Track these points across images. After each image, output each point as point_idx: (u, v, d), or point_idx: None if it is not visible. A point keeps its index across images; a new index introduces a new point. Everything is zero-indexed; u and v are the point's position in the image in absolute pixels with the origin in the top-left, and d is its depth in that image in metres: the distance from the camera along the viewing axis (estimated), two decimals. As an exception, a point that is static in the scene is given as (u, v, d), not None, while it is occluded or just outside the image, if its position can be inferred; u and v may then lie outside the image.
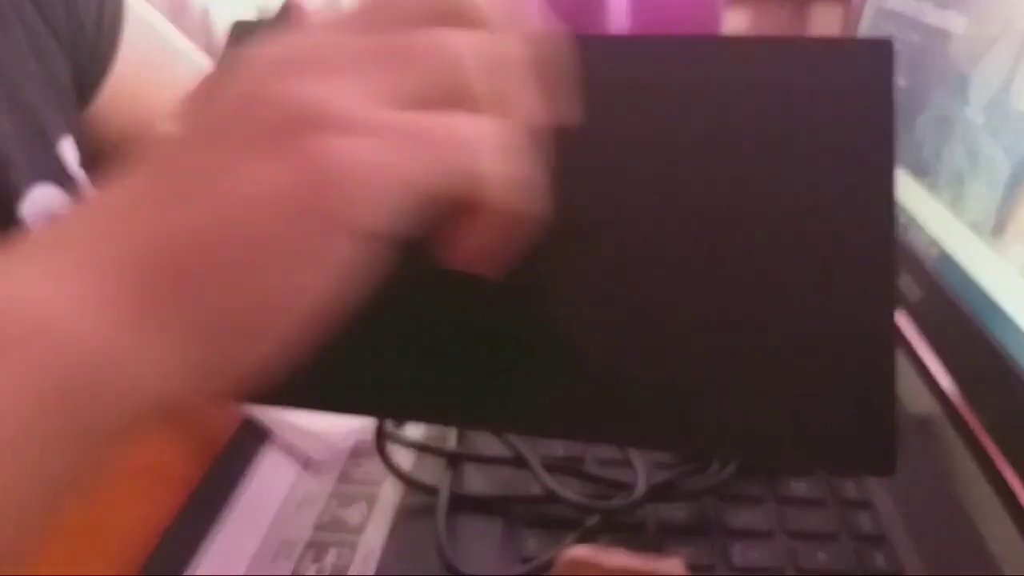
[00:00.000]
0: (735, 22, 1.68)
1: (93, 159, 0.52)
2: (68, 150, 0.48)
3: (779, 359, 0.28)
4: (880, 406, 0.27)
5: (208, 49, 1.44)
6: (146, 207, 0.22)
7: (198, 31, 1.40)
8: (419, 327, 0.30)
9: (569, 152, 0.32)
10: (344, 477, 0.45)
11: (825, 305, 0.28)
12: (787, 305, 0.29)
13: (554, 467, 0.43)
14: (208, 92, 0.24)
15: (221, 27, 1.45)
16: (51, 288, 0.20)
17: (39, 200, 0.45)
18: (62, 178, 0.47)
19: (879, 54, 0.30)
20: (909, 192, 0.55)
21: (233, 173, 0.21)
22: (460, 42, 0.23)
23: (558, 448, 0.45)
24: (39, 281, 0.21)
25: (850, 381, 0.27)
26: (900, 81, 0.57)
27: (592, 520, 0.40)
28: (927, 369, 0.50)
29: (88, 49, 0.52)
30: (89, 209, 0.23)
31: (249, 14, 1.47)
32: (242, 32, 0.38)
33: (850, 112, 0.30)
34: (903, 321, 0.53)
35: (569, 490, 0.40)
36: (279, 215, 0.21)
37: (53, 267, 0.21)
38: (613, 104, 0.32)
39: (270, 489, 0.44)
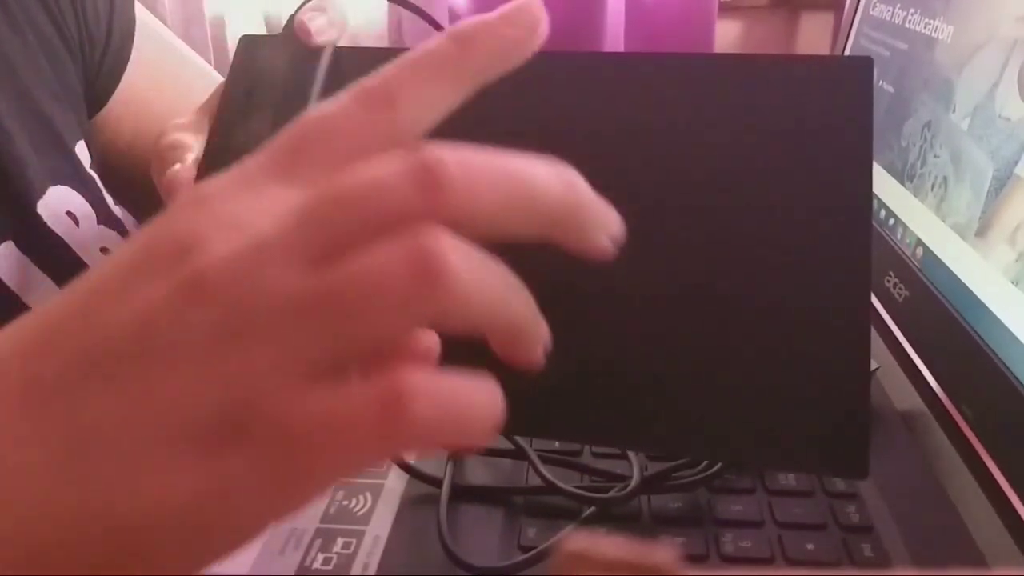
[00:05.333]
0: (728, 30, 1.69)
1: (104, 165, 0.53)
2: (83, 153, 0.49)
3: (758, 367, 0.29)
4: (855, 413, 0.28)
5: (218, 60, 1.45)
6: (45, 474, 0.19)
7: (210, 42, 1.41)
8: None
9: (565, 159, 0.33)
10: (350, 470, 0.46)
11: (805, 313, 0.29)
12: (767, 312, 0.29)
13: (552, 459, 0.44)
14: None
15: (232, 38, 1.46)
16: None
17: (55, 200, 0.46)
18: (78, 180, 0.48)
19: (859, 71, 0.31)
20: (896, 195, 0.56)
21: (151, 470, 0.19)
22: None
23: (555, 441, 0.46)
24: None
25: (827, 390, 0.28)
26: (888, 87, 0.58)
27: (589, 511, 0.41)
28: (913, 365, 0.52)
29: (98, 59, 0.52)
30: None
31: (259, 27, 1.48)
32: (249, 46, 0.39)
33: (832, 125, 0.31)
34: (890, 319, 0.54)
35: (566, 482, 0.41)
36: (190, 527, 0.19)
37: None
38: (605, 118, 0.33)
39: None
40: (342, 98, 0.22)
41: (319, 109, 0.22)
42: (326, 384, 0.19)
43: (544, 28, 0.23)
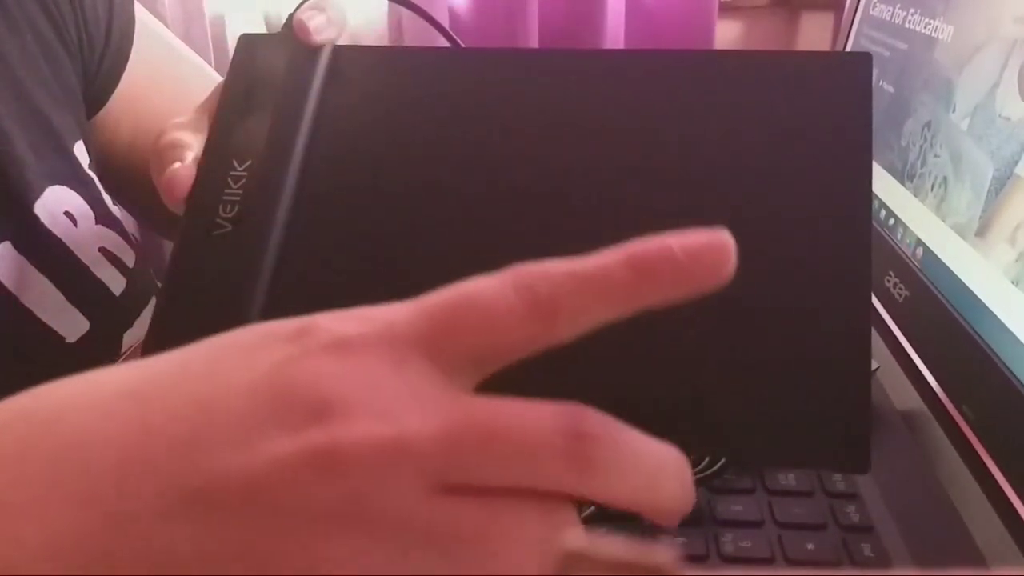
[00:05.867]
0: (728, 30, 1.69)
1: (103, 165, 0.53)
2: (81, 154, 0.49)
3: (758, 365, 0.29)
4: (855, 408, 0.28)
5: (218, 59, 1.45)
6: None
7: (210, 41, 1.41)
8: None
9: (567, 157, 0.33)
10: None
11: (805, 312, 0.29)
12: (767, 311, 0.29)
13: (552, 460, 0.44)
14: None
15: (232, 38, 1.46)
16: None
17: (53, 200, 0.46)
18: (76, 180, 0.48)
19: (859, 67, 0.31)
20: (896, 195, 0.56)
21: None
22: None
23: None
24: None
25: (828, 387, 0.28)
26: (888, 87, 0.58)
27: (589, 510, 0.41)
28: (913, 365, 0.51)
29: (97, 59, 0.52)
30: None
31: (259, 26, 1.48)
32: (249, 45, 0.39)
33: (831, 121, 0.31)
34: (891, 319, 0.54)
35: (566, 482, 0.41)
36: None
37: None
38: (602, 115, 0.33)
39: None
40: (507, 286, 0.21)
41: (480, 288, 0.21)
42: None
43: (731, 271, 0.22)
